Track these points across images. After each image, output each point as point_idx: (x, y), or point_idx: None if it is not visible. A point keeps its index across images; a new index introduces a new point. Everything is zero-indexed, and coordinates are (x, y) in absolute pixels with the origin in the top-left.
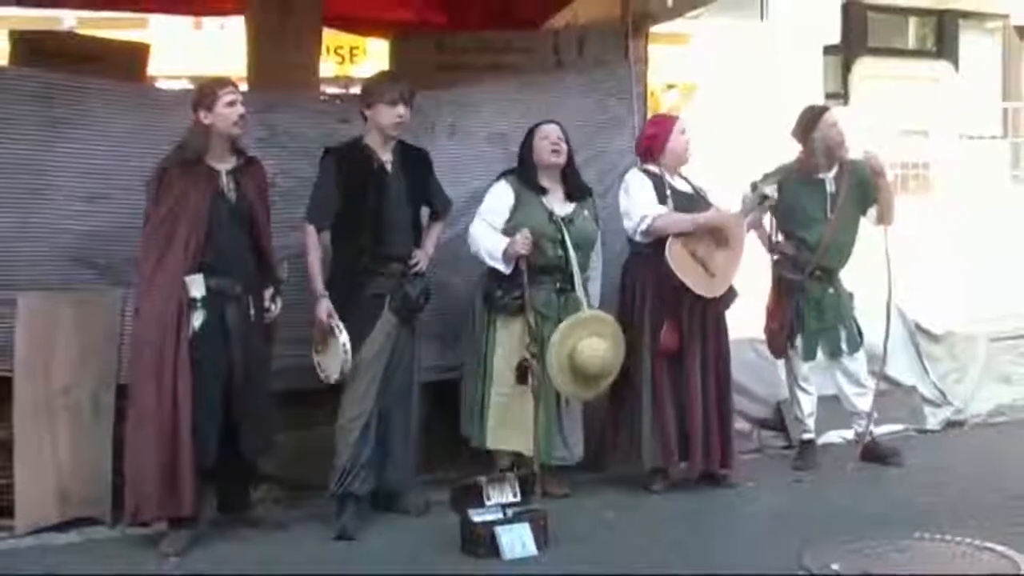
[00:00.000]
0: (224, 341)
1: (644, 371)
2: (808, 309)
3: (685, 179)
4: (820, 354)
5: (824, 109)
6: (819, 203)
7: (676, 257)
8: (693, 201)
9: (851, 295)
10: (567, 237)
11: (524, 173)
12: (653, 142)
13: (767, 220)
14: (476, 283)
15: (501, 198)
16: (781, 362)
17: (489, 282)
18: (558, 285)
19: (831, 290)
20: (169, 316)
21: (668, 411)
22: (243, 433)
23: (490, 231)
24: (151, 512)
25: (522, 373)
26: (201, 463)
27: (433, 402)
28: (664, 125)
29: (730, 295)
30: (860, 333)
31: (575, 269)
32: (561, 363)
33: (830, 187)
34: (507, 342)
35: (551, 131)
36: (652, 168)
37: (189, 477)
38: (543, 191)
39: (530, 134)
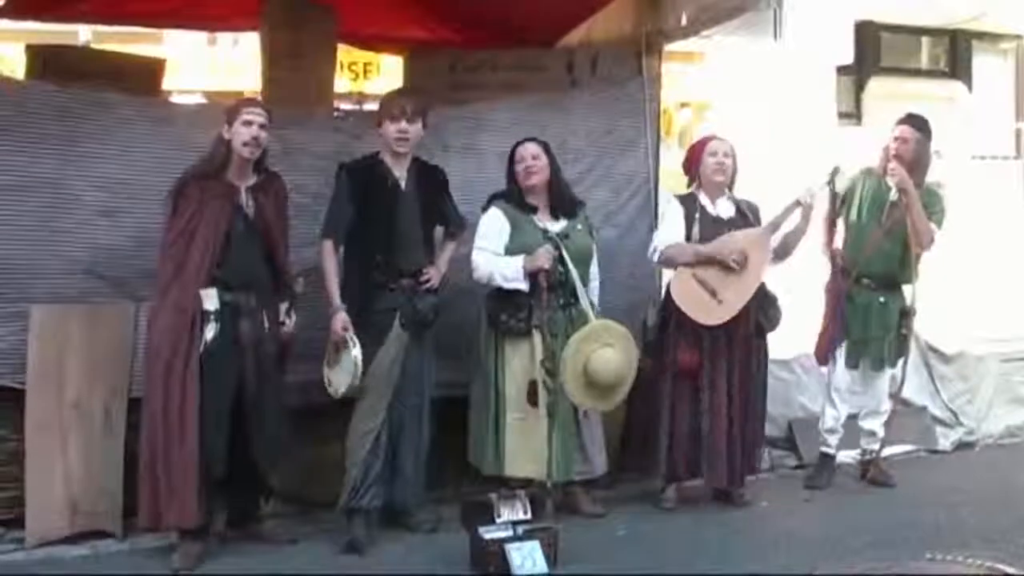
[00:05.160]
0: (236, 354)
1: (666, 387)
2: (853, 317)
3: (733, 200)
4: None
5: (911, 121)
6: (877, 205)
7: (680, 285)
8: (726, 225)
9: (909, 310)
10: (565, 253)
11: (512, 195)
12: (688, 166)
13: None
14: (480, 308)
15: (496, 224)
16: (794, 381)
17: (493, 306)
18: (562, 301)
19: (881, 299)
20: (182, 328)
21: (683, 428)
22: (255, 445)
23: (496, 257)
24: (158, 522)
25: (533, 393)
26: (210, 474)
27: (445, 418)
28: (696, 148)
29: (772, 318)
30: (898, 352)
31: (577, 283)
32: (576, 377)
33: (892, 195)
34: (517, 365)
35: (526, 152)
36: (692, 191)
37: (195, 489)
38: (533, 210)
39: (512, 154)
